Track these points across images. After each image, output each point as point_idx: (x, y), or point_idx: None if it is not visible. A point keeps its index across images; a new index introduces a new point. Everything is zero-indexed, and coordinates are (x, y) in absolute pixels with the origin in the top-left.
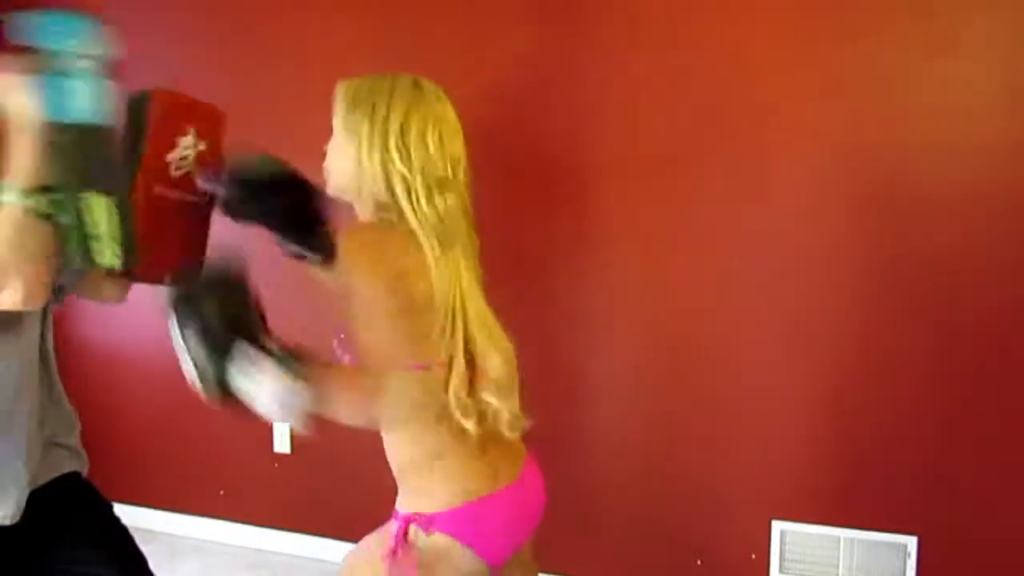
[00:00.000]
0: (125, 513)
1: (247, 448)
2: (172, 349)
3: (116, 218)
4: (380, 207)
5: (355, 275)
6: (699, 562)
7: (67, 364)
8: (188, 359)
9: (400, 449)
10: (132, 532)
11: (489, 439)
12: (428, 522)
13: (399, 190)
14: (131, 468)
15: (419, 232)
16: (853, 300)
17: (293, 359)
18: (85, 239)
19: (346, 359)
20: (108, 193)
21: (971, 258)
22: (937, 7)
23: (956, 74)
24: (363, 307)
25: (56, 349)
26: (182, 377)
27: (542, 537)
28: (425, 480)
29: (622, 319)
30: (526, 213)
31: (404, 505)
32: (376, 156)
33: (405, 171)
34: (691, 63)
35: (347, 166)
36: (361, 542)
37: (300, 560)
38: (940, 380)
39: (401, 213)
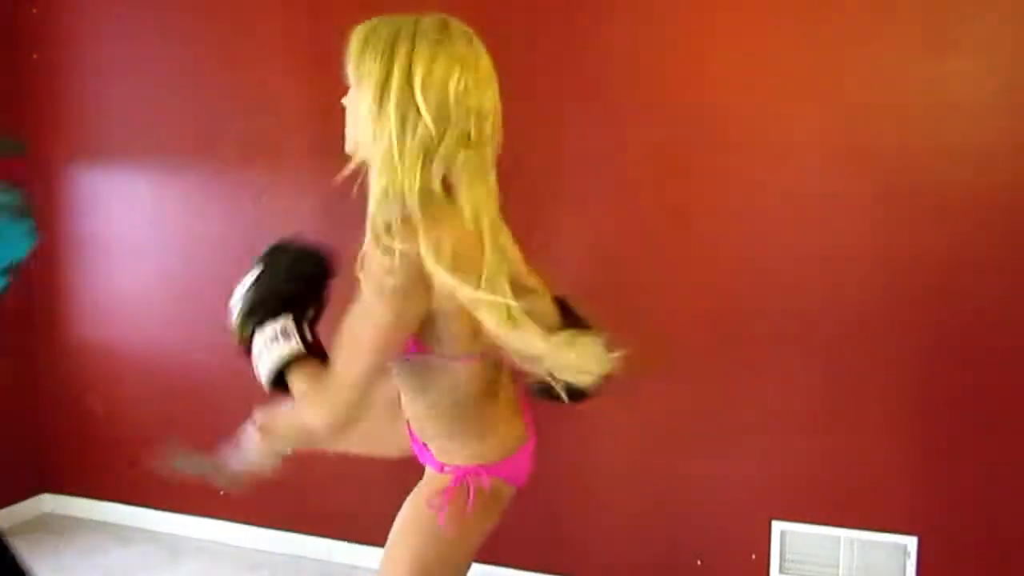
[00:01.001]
0: (126, 513)
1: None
2: (172, 350)
3: None
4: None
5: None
6: (699, 562)
7: (67, 364)
8: (237, 293)
9: (449, 423)
10: (132, 532)
11: (511, 401)
12: (488, 471)
13: (413, 146)
14: (131, 468)
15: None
16: (853, 299)
17: (302, 352)
18: None
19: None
20: None
21: (971, 258)
22: (937, 7)
23: (956, 74)
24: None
25: (56, 349)
26: (182, 377)
27: (542, 537)
28: (476, 442)
29: (623, 319)
30: (526, 211)
31: (455, 459)
32: (393, 102)
33: (428, 121)
34: (689, 62)
35: (363, 119)
36: (406, 506)
37: (300, 560)
38: (940, 380)
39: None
